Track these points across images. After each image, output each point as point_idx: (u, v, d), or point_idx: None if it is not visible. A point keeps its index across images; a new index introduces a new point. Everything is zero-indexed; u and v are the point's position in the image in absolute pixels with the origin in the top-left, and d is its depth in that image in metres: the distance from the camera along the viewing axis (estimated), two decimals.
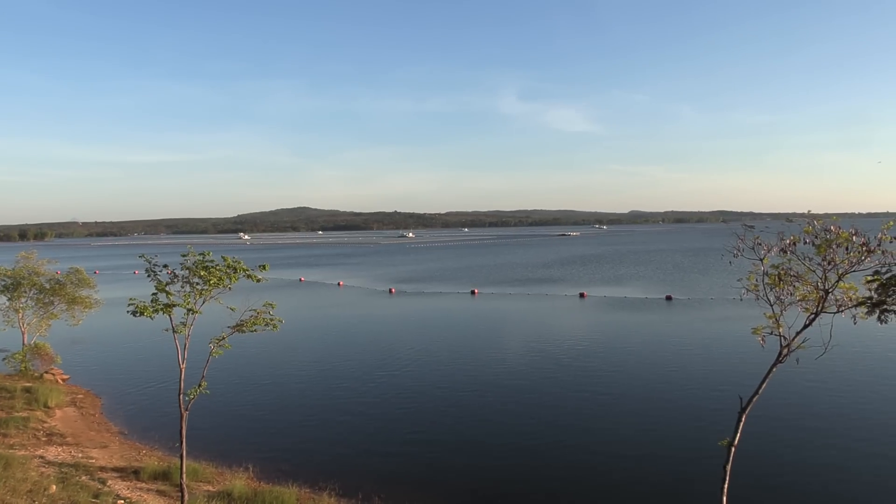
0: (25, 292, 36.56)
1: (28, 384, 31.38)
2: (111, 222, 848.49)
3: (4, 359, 35.28)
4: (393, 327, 52.76)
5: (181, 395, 15.83)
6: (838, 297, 11.39)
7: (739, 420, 12.32)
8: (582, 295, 69.80)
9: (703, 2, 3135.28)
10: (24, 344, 36.02)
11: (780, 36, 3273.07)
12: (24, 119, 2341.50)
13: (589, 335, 45.88)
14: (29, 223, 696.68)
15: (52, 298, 37.04)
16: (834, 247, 10.91)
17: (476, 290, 76.83)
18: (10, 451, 20.19)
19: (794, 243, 11.35)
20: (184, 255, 15.57)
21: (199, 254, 15.57)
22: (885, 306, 10.95)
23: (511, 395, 30.32)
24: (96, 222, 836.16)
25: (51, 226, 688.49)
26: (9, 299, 36.34)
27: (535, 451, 23.08)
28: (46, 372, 34.95)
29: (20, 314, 36.51)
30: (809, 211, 11.48)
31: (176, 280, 15.62)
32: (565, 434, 24.77)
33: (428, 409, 28.59)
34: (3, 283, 36.65)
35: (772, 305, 11.85)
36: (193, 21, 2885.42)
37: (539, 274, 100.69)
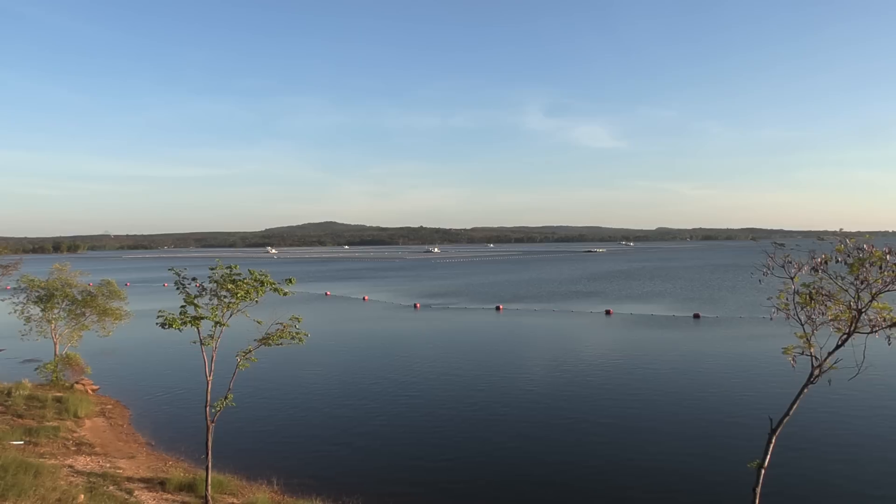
0: (58, 303, 37.26)
1: (59, 394, 31.92)
2: (142, 235, 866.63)
3: (37, 369, 35.94)
4: (418, 342, 52.74)
5: (207, 408, 16.00)
6: (872, 318, 11.17)
7: (769, 441, 12.09)
8: (608, 312, 69.21)
9: (733, 23, 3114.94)
10: (55, 354, 36.67)
11: (812, 55, 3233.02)
12: (59, 134, 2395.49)
13: (615, 353, 45.39)
14: (62, 236, 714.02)
15: (83, 310, 37.69)
16: (867, 266, 10.71)
17: (501, 307, 76.60)
18: (41, 459, 20.51)
19: (826, 262, 11.17)
20: (212, 269, 15.82)
21: (227, 267, 15.80)
22: None
23: (536, 412, 30.07)
24: (127, 235, 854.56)
25: (84, 238, 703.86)
26: (42, 310, 37.05)
27: (561, 468, 22.81)
28: (77, 382, 35.52)
29: (53, 325, 37.20)
30: (841, 229, 11.37)
31: (204, 293, 15.87)
32: (590, 452, 24.46)
33: (452, 425, 28.45)
34: (37, 294, 37.42)
35: (803, 325, 11.66)
36: (222, 40, 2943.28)
37: (565, 290, 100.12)
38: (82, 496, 16.53)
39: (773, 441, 12.08)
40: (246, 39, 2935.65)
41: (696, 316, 64.29)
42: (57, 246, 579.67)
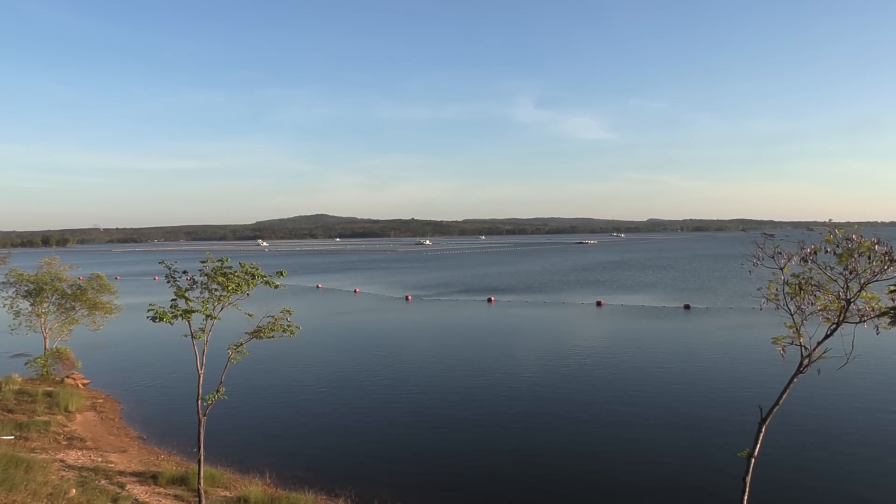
0: (48, 297, 37.04)
1: (49, 388, 31.76)
2: (132, 229, 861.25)
3: (27, 363, 35.74)
4: (409, 334, 52.80)
5: (199, 401, 15.93)
6: (860, 307, 11.22)
7: (759, 430, 12.16)
8: (599, 303, 69.44)
9: (725, 15, 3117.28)
10: (45, 348, 36.48)
11: (803, 47, 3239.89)
12: (48, 127, 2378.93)
13: (606, 344, 45.60)
14: (51, 229, 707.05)
15: (73, 304, 37.47)
16: (856, 256, 10.76)
17: (493, 298, 76.72)
18: (32, 454, 20.43)
19: (815, 252, 11.20)
20: (203, 262, 15.71)
21: (218, 260, 15.69)
22: None
23: (528, 404, 30.19)
24: (117, 228, 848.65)
25: (73, 232, 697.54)
26: (31, 304, 36.82)
27: (552, 459, 22.94)
28: (67, 376, 35.36)
29: (42, 319, 36.99)
30: (830, 219, 11.36)
31: (195, 286, 15.75)
32: (581, 444, 24.60)
33: (445, 417, 28.54)
34: (26, 288, 37.17)
35: (792, 315, 11.70)
36: (212, 32, 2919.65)
37: (556, 282, 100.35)
38: (74, 490, 16.48)
39: (764, 430, 12.15)
40: (236, 31, 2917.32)
41: (687, 306, 64.62)
42: (46, 240, 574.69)
